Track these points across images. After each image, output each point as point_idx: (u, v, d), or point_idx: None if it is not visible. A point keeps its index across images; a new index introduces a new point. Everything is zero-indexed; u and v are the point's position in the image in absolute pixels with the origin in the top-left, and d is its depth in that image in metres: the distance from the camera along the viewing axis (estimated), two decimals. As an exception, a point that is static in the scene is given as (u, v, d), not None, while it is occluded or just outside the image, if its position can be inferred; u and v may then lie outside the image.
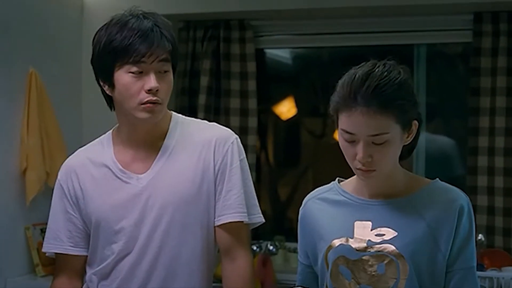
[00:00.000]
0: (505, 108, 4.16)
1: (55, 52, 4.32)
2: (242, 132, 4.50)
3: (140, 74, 2.17)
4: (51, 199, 4.06)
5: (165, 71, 2.22)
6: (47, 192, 4.15)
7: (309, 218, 2.13)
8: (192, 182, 2.25)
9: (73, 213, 2.33)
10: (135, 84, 2.18)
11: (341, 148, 2.00)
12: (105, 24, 2.23)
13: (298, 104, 4.91)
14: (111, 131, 2.38)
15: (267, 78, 4.86)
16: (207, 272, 2.30)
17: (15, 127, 4.02)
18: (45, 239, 2.38)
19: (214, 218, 2.28)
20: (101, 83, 2.26)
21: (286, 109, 4.93)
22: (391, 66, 1.96)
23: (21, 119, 4.03)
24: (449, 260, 2.00)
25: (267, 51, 4.87)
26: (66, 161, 2.39)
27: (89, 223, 2.31)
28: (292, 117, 4.93)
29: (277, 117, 4.96)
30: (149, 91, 2.17)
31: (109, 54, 2.18)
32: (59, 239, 2.34)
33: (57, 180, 2.38)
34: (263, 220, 2.34)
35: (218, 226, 2.28)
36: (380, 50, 4.53)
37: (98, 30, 2.24)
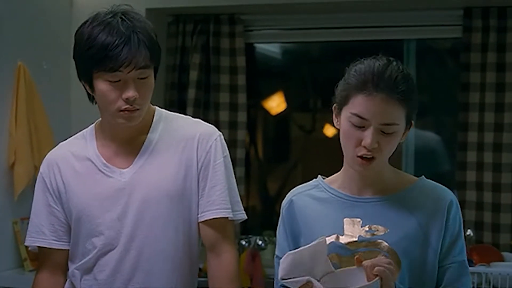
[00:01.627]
0: (495, 104, 4.16)
1: (44, 46, 4.30)
2: (231, 127, 4.49)
3: (118, 82, 2.15)
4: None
5: (145, 77, 2.18)
6: (35, 186, 4.14)
7: (295, 215, 2.12)
8: (175, 178, 2.25)
9: (56, 207, 2.31)
10: (112, 92, 2.16)
11: (344, 133, 1.99)
12: (86, 22, 2.20)
13: (287, 99, 4.91)
14: (93, 125, 2.37)
15: (257, 72, 4.86)
16: (190, 268, 2.29)
17: (3, 121, 4.00)
18: (27, 232, 2.37)
19: (198, 214, 2.27)
20: (82, 83, 2.25)
21: (275, 104, 4.92)
22: (401, 64, 2.00)
23: (9, 112, 4.01)
24: (441, 256, 2.02)
25: (257, 45, 4.86)
26: (48, 154, 2.38)
27: (70, 216, 2.30)
28: (281, 112, 4.93)
29: (266, 112, 4.95)
30: (127, 100, 2.16)
31: (87, 60, 2.16)
32: (41, 233, 2.32)
33: (39, 174, 2.37)
34: (246, 217, 2.34)
35: (202, 222, 2.27)
36: (370, 45, 4.53)
37: (81, 27, 2.21)
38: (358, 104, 1.95)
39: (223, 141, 2.33)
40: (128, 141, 2.28)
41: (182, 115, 2.40)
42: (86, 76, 2.19)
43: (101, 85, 2.16)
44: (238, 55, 4.56)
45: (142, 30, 2.17)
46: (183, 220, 2.26)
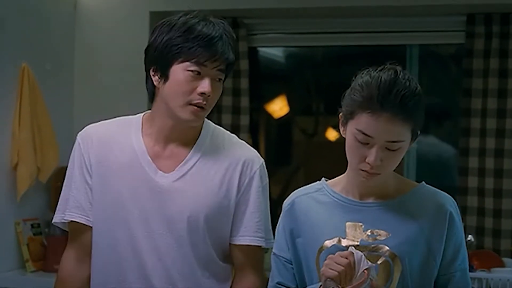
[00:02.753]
0: (496, 110, 4.17)
1: (48, 47, 4.31)
2: (234, 130, 4.48)
3: (198, 75, 2.15)
4: (41, 194, 4.05)
5: (219, 79, 2.20)
6: (38, 187, 4.15)
7: (295, 216, 2.13)
8: (214, 195, 2.21)
9: (91, 184, 2.26)
10: (190, 83, 2.15)
11: (349, 147, 1.99)
12: (167, 20, 2.21)
13: (290, 103, 4.92)
14: (140, 117, 2.31)
15: (260, 76, 4.86)
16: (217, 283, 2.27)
17: (6, 122, 4.01)
18: (63, 207, 2.28)
19: (231, 236, 2.26)
20: (151, 73, 2.21)
21: (278, 107, 4.93)
22: (409, 75, 1.97)
23: (12, 113, 4.02)
24: (443, 264, 2.03)
25: (260, 49, 4.87)
26: (89, 129, 2.31)
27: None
28: (284, 116, 4.93)
29: (269, 116, 4.96)
30: (201, 94, 2.15)
31: (171, 48, 2.15)
32: (81, 208, 2.26)
33: (77, 146, 2.28)
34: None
35: (235, 244, 2.26)
36: (373, 50, 4.54)
37: (162, 23, 2.21)
38: (363, 122, 1.94)
39: (265, 169, 2.33)
40: (175, 146, 2.25)
41: (228, 132, 2.37)
42: (164, 64, 2.17)
43: (180, 74, 2.15)
44: (241, 59, 4.56)
45: (231, 36, 2.24)
46: (212, 239, 2.23)
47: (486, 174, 4.19)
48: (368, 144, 1.94)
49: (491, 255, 3.99)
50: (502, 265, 3.86)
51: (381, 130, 1.92)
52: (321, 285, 1.94)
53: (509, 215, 4.15)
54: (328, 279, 1.89)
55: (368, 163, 1.95)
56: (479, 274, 3.62)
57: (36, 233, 4.19)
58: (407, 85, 1.94)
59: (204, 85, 2.15)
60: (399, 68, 1.98)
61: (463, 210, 4.11)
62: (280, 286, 2.15)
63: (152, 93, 2.25)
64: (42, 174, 4.11)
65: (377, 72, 1.97)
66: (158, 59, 2.18)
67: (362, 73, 2.00)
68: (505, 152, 4.16)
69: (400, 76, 1.95)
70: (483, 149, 4.19)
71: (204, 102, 2.17)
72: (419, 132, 2.03)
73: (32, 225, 4.18)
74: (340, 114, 2.03)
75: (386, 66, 1.99)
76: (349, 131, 1.98)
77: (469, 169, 4.22)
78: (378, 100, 1.91)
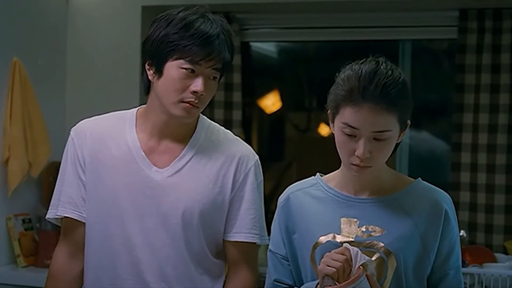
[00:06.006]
0: (489, 105, 4.17)
1: (40, 42, 4.30)
2: (226, 125, 4.45)
3: (191, 73, 2.14)
4: (33, 189, 4.03)
5: (214, 78, 2.18)
6: (30, 182, 4.13)
7: (290, 212, 2.12)
8: (209, 191, 2.21)
9: (84, 179, 2.26)
10: (183, 81, 2.14)
11: (338, 142, 1.99)
12: (167, 14, 2.20)
13: (283, 98, 4.91)
14: (134, 112, 2.30)
15: (252, 71, 4.86)
16: (205, 283, 2.26)
17: (-3, 117, 4.00)
18: (56, 202, 2.29)
19: (225, 232, 2.26)
20: (147, 67, 2.20)
21: (271, 102, 4.92)
22: (391, 65, 1.97)
23: (4, 108, 4.01)
24: (438, 262, 2.03)
25: (253, 44, 4.86)
26: (82, 124, 2.31)
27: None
28: (276, 111, 4.93)
29: (261, 111, 4.95)
30: (194, 93, 2.14)
31: (167, 44, 2.14)
32: (74, 204, 2.26)
33: (70, 142, 2.29)
34: (268, 242, 2.30)
35: (230, 241, 2.26)
36: (366, 45, 4.53)
37: (161, 17, 2.21)
38: (347, 115, 1.94)
39: (260, 165, 2.32)
40: (169, 141, 2.24)
41: (223, 128, 2.36)
42: (159, 59, 2.16)
43: (174, 71, 2.14)
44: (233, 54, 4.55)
45: (229, 34, 2.20)
46: (205, 235, 2.23)
47: (479, 169, 4.19)
48: (355, 136, 1.95)
49: (483, 250, 3.99)
50: (494, 260, 3.86)
51: (366, 121, 1.92)
52: (318, 283, 1.94)
53: (501, 210, 4.15)
54: (326, 277, 1.88)
55: (358, 156, 1.94)
56: (471, 269, 3.63)
57: (27, 228, 4.18)
58: (389, 74, 1.94)
59: (197, 84, 2.14)
60: (381, 59, 1.98)
61: (455, 206, 4.09)
62: (277, 283, 2.15)
63: (147, 86, 2.25)
64: (33, 169, 4.10)
65: (358, 65, 1.98)
66: (154, 54, 2.18)
67: (345, 68, 2.01)
68: (498, 147, 4.16)
69: (381, 67, 1.95)
70: (475, 145, 4.20)
71: (196, 101, 2.16)
72: (409, 122, 2.03)
73: (23, 220, 4.17)
74: (328, 111, 2.04)
75: (368, 59, 1.99)
76: (336, 126, 1.99)
77: (461, 165, 4.22)
78: (359, 92, 1.92)
